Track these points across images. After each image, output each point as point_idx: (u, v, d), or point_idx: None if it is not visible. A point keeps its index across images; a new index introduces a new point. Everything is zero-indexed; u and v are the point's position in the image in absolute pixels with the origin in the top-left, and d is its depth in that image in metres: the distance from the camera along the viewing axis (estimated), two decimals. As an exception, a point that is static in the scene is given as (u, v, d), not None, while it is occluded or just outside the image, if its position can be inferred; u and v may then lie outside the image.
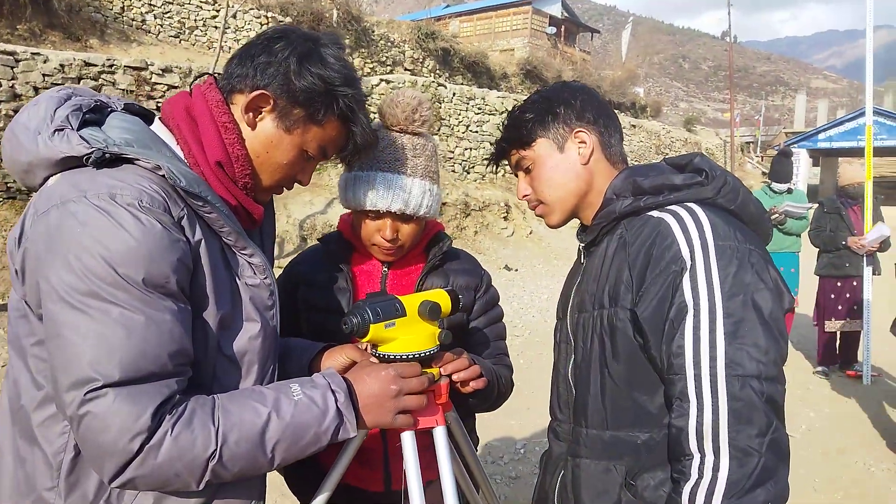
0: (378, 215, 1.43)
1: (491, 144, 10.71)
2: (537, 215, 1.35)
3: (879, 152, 26.73)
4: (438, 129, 14.00)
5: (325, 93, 1.10)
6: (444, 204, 12.39)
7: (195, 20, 14.99)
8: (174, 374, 0.94)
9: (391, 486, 1.48)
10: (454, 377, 1.25)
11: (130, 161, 0.98)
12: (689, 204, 1.16)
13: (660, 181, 1.20)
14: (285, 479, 1.62)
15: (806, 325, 6.94)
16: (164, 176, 0.98)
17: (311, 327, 1.50)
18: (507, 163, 1.38)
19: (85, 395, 0.88)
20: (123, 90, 8.56)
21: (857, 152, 23.95)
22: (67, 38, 11.75)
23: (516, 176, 1.36)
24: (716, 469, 1.01)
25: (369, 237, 1.46)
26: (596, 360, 1.20)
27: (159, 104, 9.08)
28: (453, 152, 14.27)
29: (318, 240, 1.60)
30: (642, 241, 1.14)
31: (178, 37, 14.66)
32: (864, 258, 5.48)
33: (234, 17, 15.37)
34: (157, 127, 1.11)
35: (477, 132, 14.81)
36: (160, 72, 9.10)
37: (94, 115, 1.05)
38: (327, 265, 1.51)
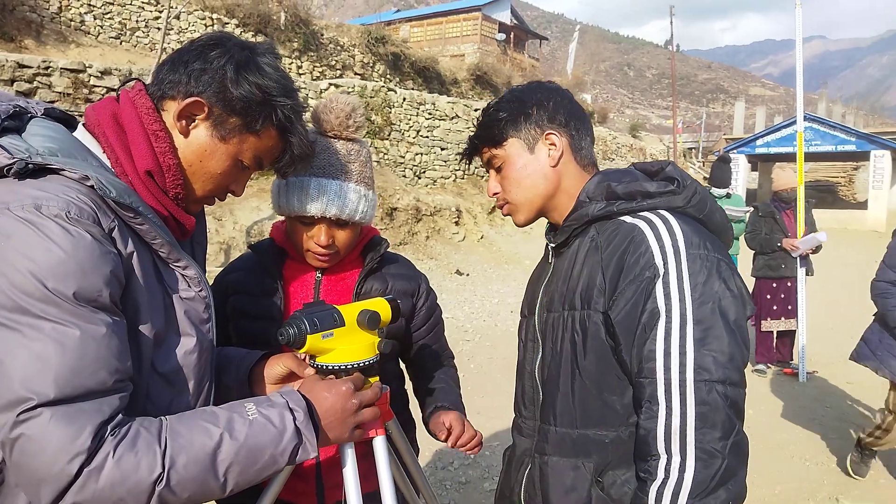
0: (313, 221, 1.41)
1: (442, 149, 10.79)
2: (504, 214, 1.37)
3: (813, 157, 27.91)
4: (389, 134, 13.97)
5: (263, 102, 1.08)
6: (395, 209, 12.35)
7: (137, 21, 14.57)
8: (114, 391, 0.89)
9: (324, 501, 1.44)
10: (461, 450, 1.43)
11: (55, 171, 0.94)
12: (662, 211, 1.19)
13: (633, 188, 1.23)
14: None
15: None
16: (92, 187, 0.94)
17: (241, 334, 1.47)
18: (479, 160, 1.41)
19: (18, 416, 0.82)
20: (60, 93, 8.26)
21: (793, 157, 24.87)
22: (0, 39, 11.26)
23: (488, 173, 1.38)
24: (682, 470, 1.05)
25: (304, 244, 1.44)
26: (567, 360, 1.22)
27: (65, 112, 8.74)
28: (404, 157, 14.26)
29: (248, 247, 1.57)
30: (616, 247, 1.17)
31: (119, 38, 14.22)
32: (798, 260, 5.71)
33: (178, 18, 14.98)
34: (82, 134, 1.06)
35: (427, 137, 14.84)
36: (99, 74, 8.82)
37: (13, 122, 0.99)
38: (259, 273, 1.49)
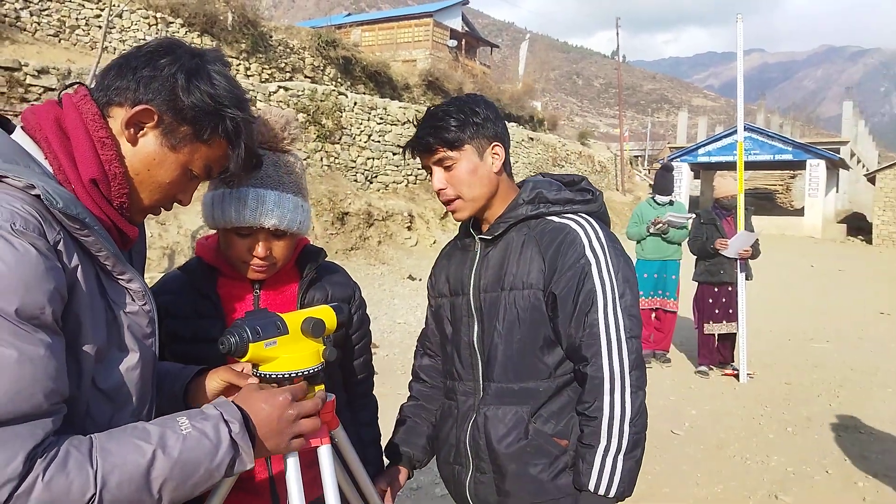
0: (250, 232, 1.39)
1: (394, 154, 10.98)
2: (450, 209, 1.58)
3: (752, 166, 29.00)
4: (340, 139, 13.86)
5: (213, 112, 1.05)
6: (346, 214, 12.25)
7: (77, 19, 14.07)
8: (48, 414, 0.85)
9: None
10: None
11: None
12: (583, 215, 1.56)
13: (561, 195, 1.57)
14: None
15: (687, 328, 7.39)
16: (37, 196, 0.89)
17: (178, 358, 1.41)
18: (419, 157, 1.57)
19: None
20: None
21: (734, 166, 25.84)
22: (-74, 33, 10.71)
23: (428, 171, 1.57)
24: (623, 402, 1.42)
25: (240, 256, 1.41)
26: (507, 330, 1.52)
27: (5, 114, 8.41)
28: (355, 162, 14.17)
29: (178, 269, 1.52)
30: (551, 240, 1.50)
31: (58, 35, 13.71)
32: (738, 264, 5.91)
33: (120, 16, 14.55)
34: (21, 138, 1.00)
35: (379, 142, 14.79)
36: (36, 73, 8.48)
37: None
38: (191, 294, 1.44)
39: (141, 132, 1.03)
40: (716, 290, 6.19)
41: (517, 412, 1.51)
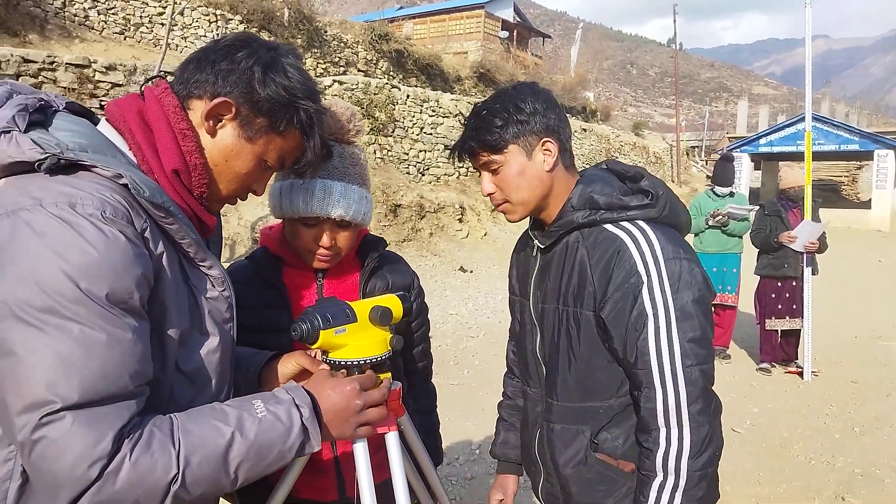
0: (316, 222, 1.42)
1: (446, 147, 10.90)
2: (500, 211, 1.48)
3: (817, 156, 27.84)
4: (393, 131, 13.96)
5: (288, 103, 1.08)
6: (398, 206, 12.35)
7: (140, 17, 14.57)
8: (134, 396, 0.88)
9: (345, 494, 1.46)
10: None
11: (86, 168, 0.92)
12: (639, 222, 1.39)
13: (614, 201, 1.40)
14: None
15: (748, 324, 7.17)
16: (125, 185, 0.93)
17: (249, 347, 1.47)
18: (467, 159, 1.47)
19: (40, 419, 0.81)
20: (65, 88, 8.26)
21: (797, 156, 24.91)
22: (5, 34, 11.26)
23: (479, 172, 1.47)
24: (680, 438, 1.30)
25: (306, 246, 1.44)
26: (564, 347, 1.44)
27: (102, 102, 8.77)
28: (407, 154, 14.25)
29: (244, 258, 1.56)
30: (602, 255, 1.37)
31: (123, 34, 14.23)
32: (804, 258, 5.70)
33: (182, 14, 14.99)
34: (106, 130, 1.05)
35: (431, 134, 14.83)
36: (104, 69, 8.82)
37: (38, 116, 0.98)
38: (259, 284, 1.48)
39: (220, 124, 1.06)
40: (779, 284, 5.97)
41: (579, 434, 1.45)
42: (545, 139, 1.40)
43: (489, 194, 1.46)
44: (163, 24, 14.12)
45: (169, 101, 1.05)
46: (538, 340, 1.52)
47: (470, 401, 4.74)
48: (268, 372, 1.23)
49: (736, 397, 5.36)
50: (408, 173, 14.13)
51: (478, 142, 1.40)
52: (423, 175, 14.57)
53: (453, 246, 12.55)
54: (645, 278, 1.32)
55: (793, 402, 5.25)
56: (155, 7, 14.79)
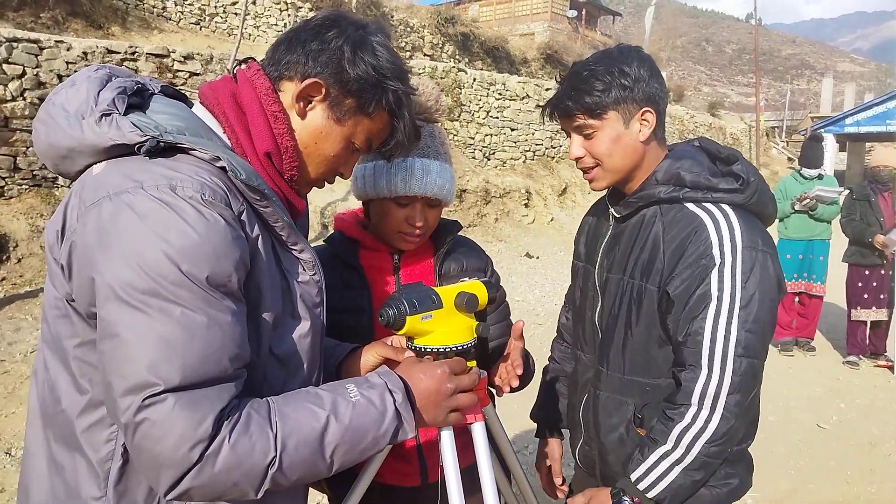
0: (409, 201, 1.41)
1: (512, 130, 10.85)
2: (587, 178, 1.45)
3: (909, 137, 26.15)
4: (459, 115, 13.91)
5: (377, 83, 1.05)
6: (464, 191, 12.32)
7: (215, 7, 14.99)
8: (233, 378, 0.89)
9: (427, 480, 1.46)
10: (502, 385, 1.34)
11: (184, 151, 0.93)
12: (724, 206, 1.35)
13: (701, 179, 1.36)
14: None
15: (835, 314, 6.81)
16: (222, 168, 0.93)
17: (329, 329, 1.48)
18: (558, 120, 1.44)
19: (143, 400, 0.82)
20: (140, 76, 8.59)
21: (886, 137, 23.40)
22: (90, 26, 11.81)
23: (567, 134, 1.44)
24: (708, 421, 1.29)
25: (398, 225, 1.43)
26: (623, 319, 1.43)
27: (181, 90, 9.07)
28: (473, 138, 14.17)
29: (324, 241, 1.57)
30: (678, 232, 1.35)
31: (199, 24, 14.68)
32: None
33: (254, 3, 15.33)
34: (201, 112, 1.06)
35: (497, 118, 14.69)
36: (182, 59, 9.12)
37: (136, 99, 0.99)
38: (337, 266, 1.48)
39: (310, 105, 1.05)
40: (866, 272, 5.63)
41: (623, 405, 1.46)
42: (645, 108, 1.37)
43: (577, 158, 1.42)
44: (236, 14, 14.50)
45: (261, 83, 1.05)
46: (598, 308, 1.52)
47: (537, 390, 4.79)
48: (349, 365, 1.22)
49: (821, 392, 5.10)
50: (473, 158, 14.06)
51: (577, 103, 1.36)
52: (489, 160, 14.47)
53: (519, 231, 12.43)
54: (718, 261, 1.30)
55: (883, 398, 4.95)
56: (229, -3, 15.19)
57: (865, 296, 5.66)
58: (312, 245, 1.10)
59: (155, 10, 13.86)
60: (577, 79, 1.38)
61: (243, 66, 1.09)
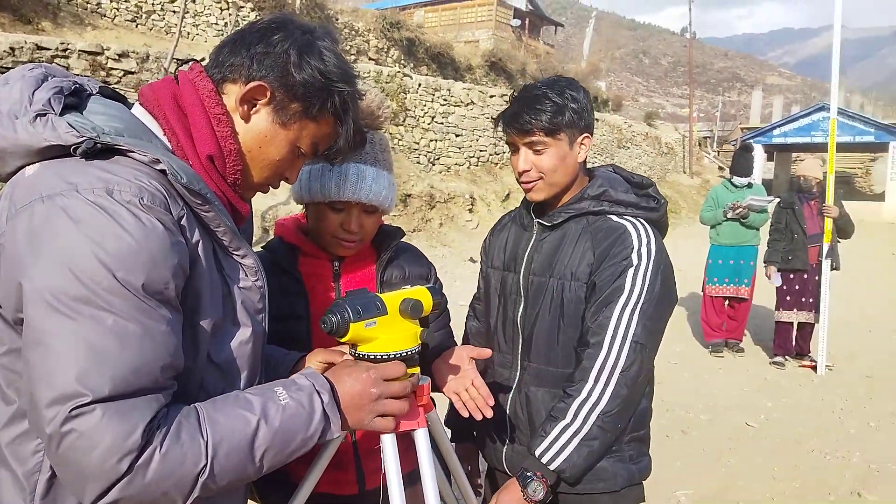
0: (344, 207, 1.42)
1: (457, 136, 11.06)
2: (526, 188, 1.59)
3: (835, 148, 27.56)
4: (404, 120, 13.90)
5: (323, 88, 1.05)
6: (409, 196, 12.32)
7: (152, 4, 14.53)
8: (163, 388, 0.87)
9: (365, 487, 1.46)
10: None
11: (123, 153, 0.90)
12: (642, 220, 1.59)
13: (628, 198, 1.60)
14: (253, 486, 1.57)
15: (762, 316, 7.12)
16: (162, 171, 0.91)
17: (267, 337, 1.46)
18: (510, 134, 1.57)
19: (70, 411, 0.79)
20: (78, 75, 8.26)
21: (811, 148, 24.64)
22: (17, 21, 11.26)
23: (515, 146, 1.57)
24: (602, 394, 1.46)
25: (332, 231, 1.43)
26: (554, 315, 1.58)
27: (115, 89, 8.76)
28: (418, 143, 14.20)
29: (262, 247, 1.56)
30: (605, 237, 1.55)
31: (135, 21, 14.20)
32: (824, 250, 5.65)
33: (194, 1, 14.95)
34: (141, 114, 1.03)
35: (442, 124, 14.76)
36: (116, 57, 8.82)
37: (73, 99, 0.96)
38: (276, 272, 1.46)
39: (254, 109, 1.04)
40: (790, 276, 5.97)
41: (556, 396, 1.56)
42: (586, 135, 1.57)
43: (524, 171, 1.56)
44: (174, 12, 14.08)
45: (204, 85, 1.03)
46: (521, 309, 1.64)
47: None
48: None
49: (749, 391, 5.33)
50: (418, 163, 14.07)
51: (537, 121, 1.51)
52: (434, 165, 14.52)
53: (463, 236, 12.51)
54: (635, 263, 1.50)
55: (807, 397, 5.21)
56: (167, -6, 14.75)
57: (788, 298, 5.98)
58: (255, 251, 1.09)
59: (88, 5, 13.34)
60: (535, 100, 1.52)
61: (185, 68, 1.08)
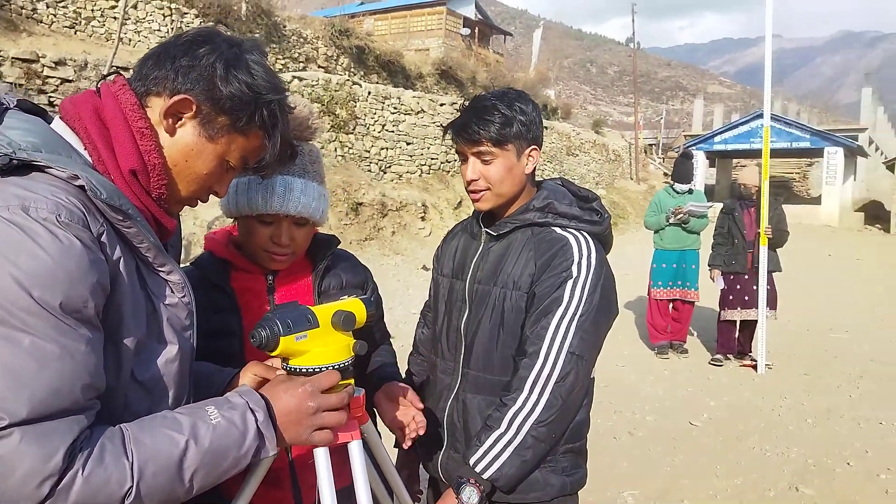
0: (273, 220, 1.40)
1: (408, 144, 11.24)
2: (473, 198, 1.61)
3: (770, 154, 28.62)
4: (354, 128, 13.84)
5: (252, 101, 1.04)
6: (360, 204, 12.25)
7: (92, 10, 14.09)
8: (85, 409, 0.85)
9: (301, 502, 1.43)
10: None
11: (40, 169, 0.88)
12: (585, 233, 1.60)
13: (571, 211, 1.62)
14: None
15: (705, 318, 7.34)
16: (81, 187, 0.89)
17: (200, 354, 1.42)
18: (458, 143, 1.59)
19: None
20: (12, 83, 7.95)
21: (750, 154, 25.56)
22: (-56, 25, 10.79)
23: (463, 156, 1.59)
24: (536, 404, 1.47)
25: (262, 244, 1.41)
26: (495, 324, 1.59)
27: (52, 99, 8.47)
28: (369, 152, 14.14)
29: (190, 263, 1.52)
30: (548, 248, 1.56)
31: (73, 27, 13.75)
32: (762, 255, 5.91)
33: (135, 7, 14.58)
34: (60, 128, 1.00)
35: (393, 132, 14.75)
36: (53, 64, 8.53)
37: None
38: (206, 288, 1.42)
39: (179, 122, 1.02)
40: (731, 278, 6.25)
41: (492, 403, 1.57)
42: (533, 147, 1.59)
43: (472, 180, 1.58)
44: (115, 18, 13.69)
45: (126, 98, 1.01)
46: (465, 317, 1.65)
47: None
48: (230, 391, 1.18)
49: (693, 391, 5.48)
50: (369, 171, 14.02)
51: (486, 131, 1.52)
52: (385, 173, 14.48)
53: (416, 244, 12.51)
54: (575, 274, 1.52)
55: (748, 395, 5.39)
56: (107, 0, 14.33)
57: (731, 298, 6.26)
58: (184, 266, 1.07)
59: (24, 11, 12.85)
60: (485, 111, 1.54)
61: (109, 80, 1.05)
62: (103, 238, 0.90)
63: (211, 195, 1.13)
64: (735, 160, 29.11)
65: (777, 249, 6.14)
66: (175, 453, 0.89)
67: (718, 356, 6.31)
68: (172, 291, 1.02)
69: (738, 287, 6.22)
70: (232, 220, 1.49)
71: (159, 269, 1.00)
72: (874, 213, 25.30)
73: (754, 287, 6.04)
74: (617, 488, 3.72)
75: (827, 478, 3.88)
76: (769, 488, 3.76)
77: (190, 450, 0.91)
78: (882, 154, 31.47)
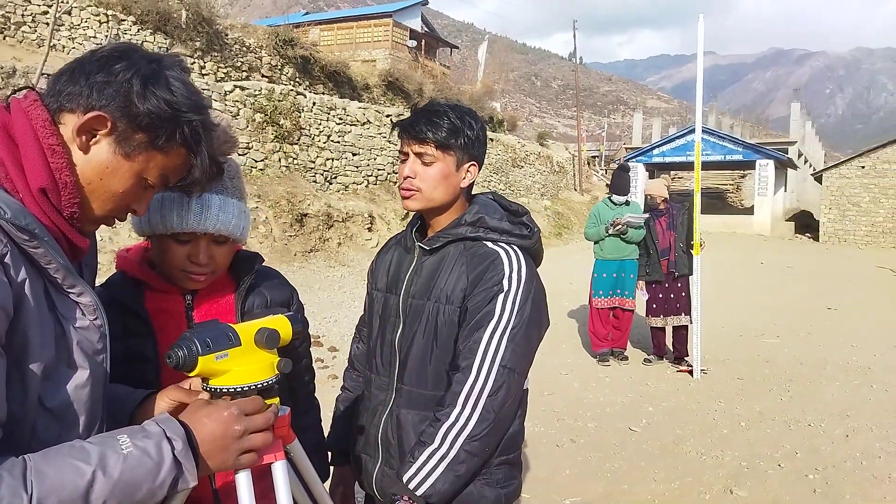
0: (190, 238, 1.34)
1: (354, 155, 11.21)
2: (404, 196, 1.63)
3: (705, 166, 29.45)
4: (298, 139, 13.69)
5: (171, 118, 1.01)
6: (305, 215, 12.10)
7: (23, 15, 13.57)
8: None
9: None
10: None
11: None
12: (515, 247, 1.62)
13: (501, 225, 1.64)
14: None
15: (646, 326, 7.52)
16: None
17: (112, 380, 1.37)
18: (404, 140, 1.61)
19: None
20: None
21: (686, 166, 26.49)
22: None
23: (404, 155, 1.62)
24: (468, 419, 1.47)
25: (179, 264, 1.35)
26: (428, 338, 1.60)
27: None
28: (314, 162, 14.01)
29: (101, 284, 1.43)
30: (479, 262, 1.58)
31: (2, 32, 13.20)
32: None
33: (69, 13, 14.09)
34: None
35: (339, 143, 14.66)
36: (-24, 70, 8.14)
37: None
38: (118, 312, 1.35)
39: (93, 139, 0.99)
40: (653, 286, 6.59)
41: (426, 419, 1.56)
42: (473, 163, 1.63)
43: (408, 177, 1.60)
44: (47, 24, 13.20)
45: (38, 114, 0.97)
46: (399, 331, 1.65)
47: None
48: (142, 413, 1.14)
49: (633, 397, 5.60)
50: (314, 182, 13.87)
51: (434, 132, 1.56)
52: (331, 184, 14.37)
53: (362, 255, 12.42)
54: (506, 287, 1.54)
55: (684, 400, 5.54)
56: (39, 5, 13.81)
57: (654, 306, 6.60)
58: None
59: (-55, 13, 12.28)
60: (436, 114, 1.59)
61: (19, 96, 1.01)
62: (7, 259, 0.86)
63: (129, 214, 1.09)
64: (672, 172, 30.08)
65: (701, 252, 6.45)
66: (81, 485, 0.85)
67: (651, 357, 6.71)
68: (83, 314, 0.98)
69: (661, 295, 6.54)
70: (144, 237, 1.43)
71: (69, 290, 0.96)
72: (804, 223, 26.54)
73: (672, 294, 6.45)
74: (559, 495, 3.76)
75: (760, 479, 4.01)
76: (705, 491, 3.86)
77: (97, 481, 0.86)
78: (811, 166, 33.08)
